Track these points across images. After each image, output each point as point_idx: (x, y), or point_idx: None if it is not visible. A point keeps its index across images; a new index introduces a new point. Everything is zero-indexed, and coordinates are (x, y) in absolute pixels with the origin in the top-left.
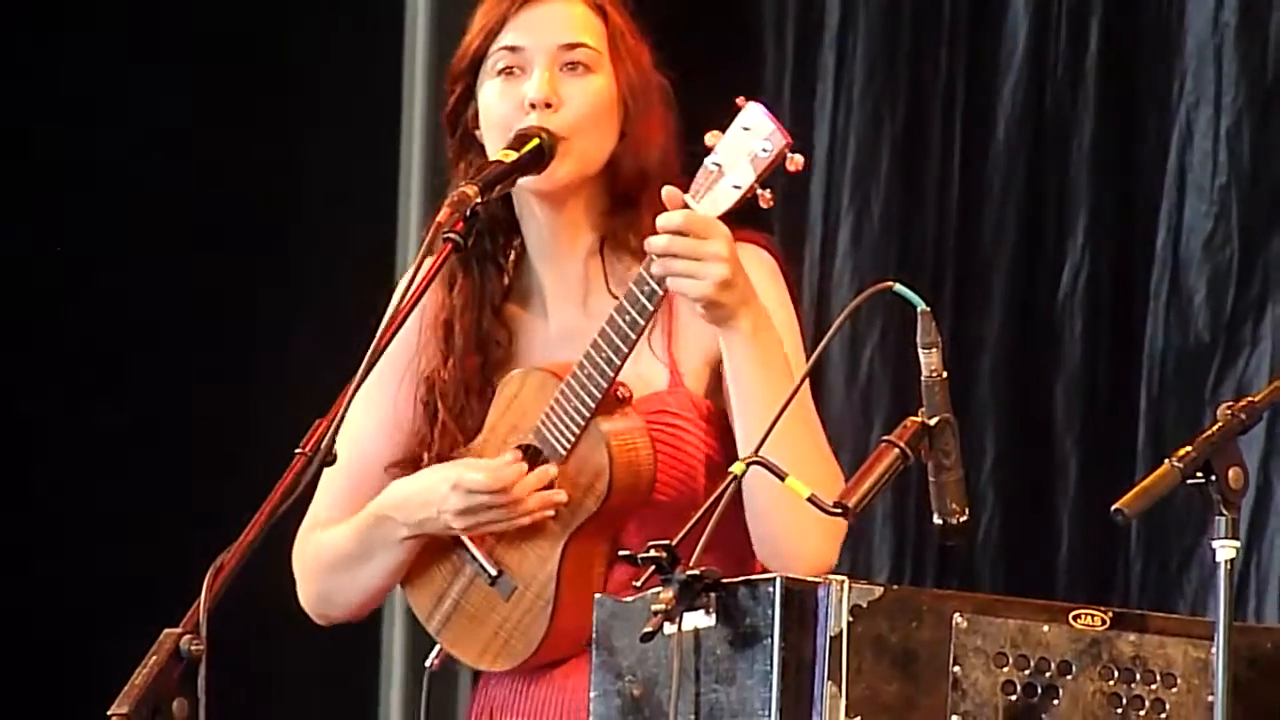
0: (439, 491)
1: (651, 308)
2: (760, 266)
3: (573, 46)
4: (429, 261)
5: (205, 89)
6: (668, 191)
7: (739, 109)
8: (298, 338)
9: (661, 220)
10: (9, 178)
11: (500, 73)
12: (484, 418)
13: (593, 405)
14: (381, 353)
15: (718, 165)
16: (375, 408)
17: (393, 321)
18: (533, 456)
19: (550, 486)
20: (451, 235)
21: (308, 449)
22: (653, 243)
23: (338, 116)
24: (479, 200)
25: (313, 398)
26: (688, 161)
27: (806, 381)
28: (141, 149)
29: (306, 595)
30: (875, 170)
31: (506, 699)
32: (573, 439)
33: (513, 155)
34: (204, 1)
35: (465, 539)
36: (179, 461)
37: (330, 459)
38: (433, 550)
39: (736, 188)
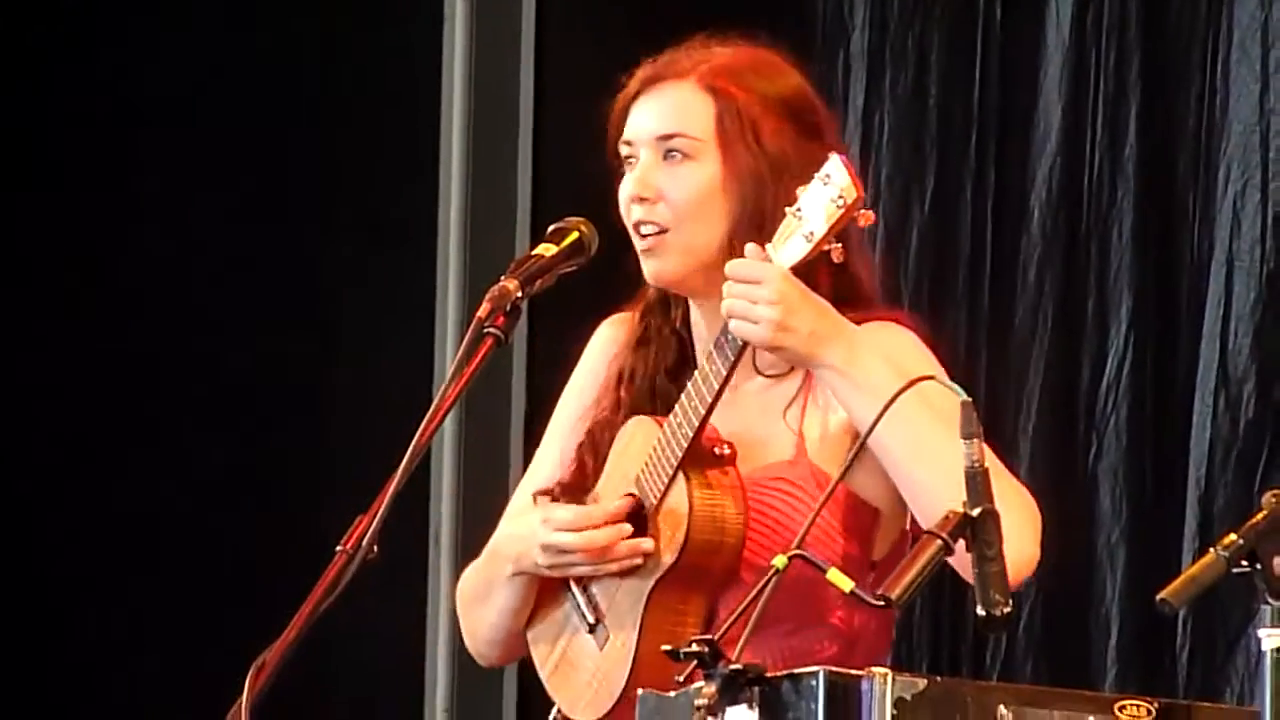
0: (531, 526)
1: (732, 356)
2: (897, 337)
3: (669, 137)
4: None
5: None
6: (749, 248)
7: (825, 160)
8: (334, 434)
9: (726, 269)
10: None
11: (625, 163)
12: None
13: (680, 454)
14: (423, 448)
15: (798, 215)
16: (550, 454)
17: (434, 416)
18: (636, 505)
19: (644, 534)
20: (492, 330)
21: (349, 545)
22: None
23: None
24: (519, 295)
25: (351, 495)
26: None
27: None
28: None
29: (463, 632)
30: (904, 256)
31: None
32: (662, 488)
33: (552, 249)
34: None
35: (572, 585)
36: (218, 558)
37: (371, 556)
38: (551, 600)
39: (808, 239)
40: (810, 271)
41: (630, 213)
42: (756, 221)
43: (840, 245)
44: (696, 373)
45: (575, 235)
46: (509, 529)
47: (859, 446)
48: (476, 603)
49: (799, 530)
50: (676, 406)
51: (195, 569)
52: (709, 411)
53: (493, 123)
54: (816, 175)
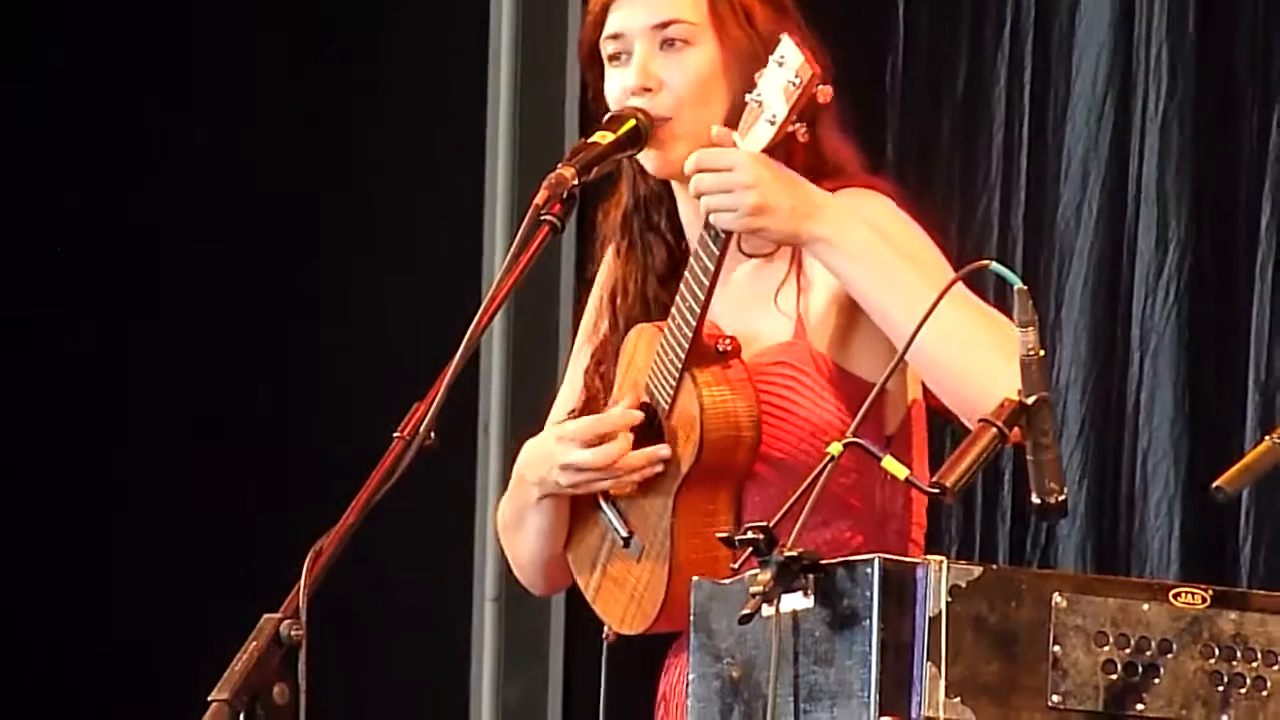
0: (547, 447)
1: (716, 249)
2: (873, 203)
3: (665, 25)
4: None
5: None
6: (715, 131)
7: (777, 44)
8: (390, 322)
9: (688, 162)
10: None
11: (610, 60)
12: None
13: (683, 356)
14: (479, 336)
15: (759, 101)
16: (568, 384)
17: (490, 305)
18: (648, 412)
19: (660, 441)
20: (549, 218)
21: (405, 433)
22: (691, 184)
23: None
24: (575, 182)
25: (408, 381)
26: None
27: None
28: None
29: (510, 561)
30: (939, 141)
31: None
32: (672, 391)
33: (609, 136)
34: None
35: (602, 502)
36: (276, 447)
37: (428, 443)
38: (585, 521)
39: (771, 122)
40: (781, 153)
41: (629, 105)
42: (743, 102)
43: (803, 125)
44: (687, 271)
45: (632, 123)
46: (528, 453)
47: (900, 357)
48: (512, 531)
49: (805, 414)
50: (673, 308)
51: (259, 458)
52: (704, 309)
53: (541, 2)
54: (771, 58)
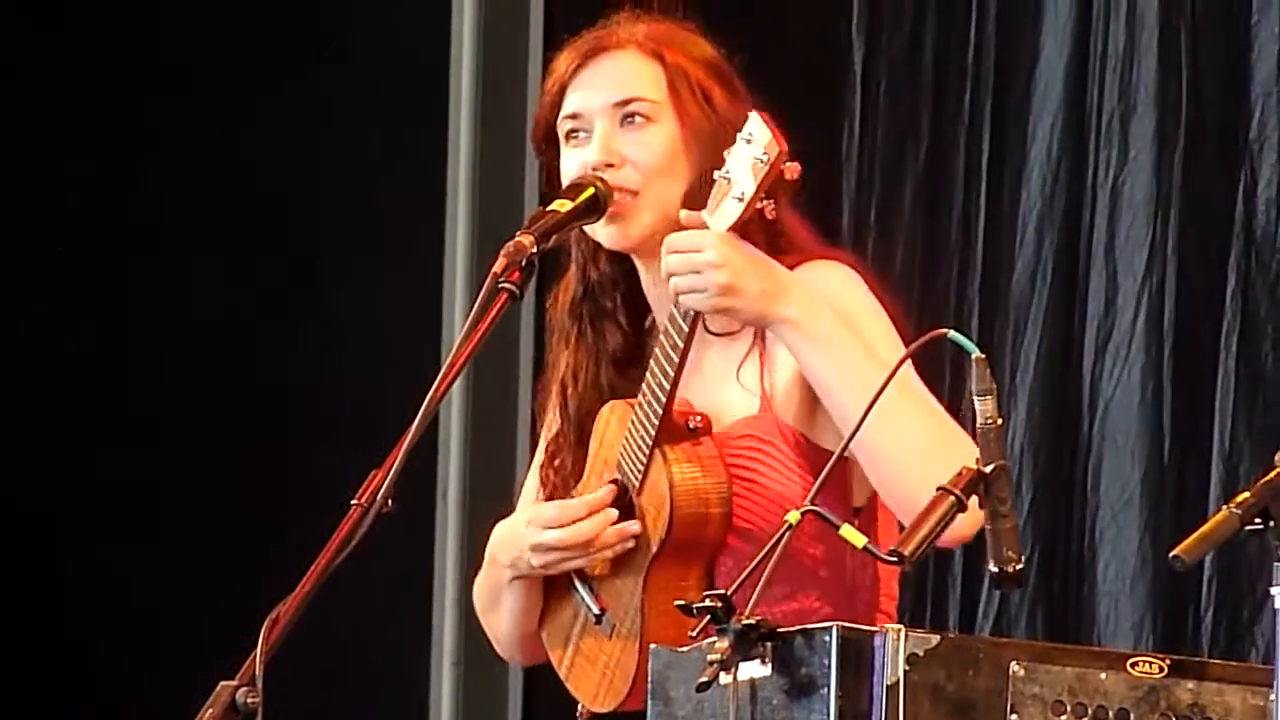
0: (518, 529)
1: (687, 328)
2: (836, 276)
3: (626, 102)
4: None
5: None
6: (684, 215)
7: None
8: (345, 390)
9: (663, 244)
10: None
11: (568, 139)
12: None
13: (654, 433)
14: (438, 403)
15: (727, 178)
16: (529, 483)
17: (449, 372)
18: (620, 488)
19: (631, 518)
20: (507, 285)
21: (363, 499)
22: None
23: (383, 169)
24: (534, 250)
25: (367, 448)
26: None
27: (909, 365)
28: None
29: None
30: (899, 210)
31: None
32: (643, 468)
33: (568, 204)
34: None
35: (575, 580)
36: (228, 516)
37: (385, 509)
38: (558, 598)
39: (739, 200)
40: (745, 231)
41: (589, 174)
42: (711, 180)
43: (771, 201)
44: (656, 347)
45: (591, 191)
46: (499, 535)
47: (848, 443)
48: (489, 611)
49: (770, 483)
50: (643, 385)
51: (206, 527)
52: (674, 386)
53: (502, 72)
54: (739, 135)
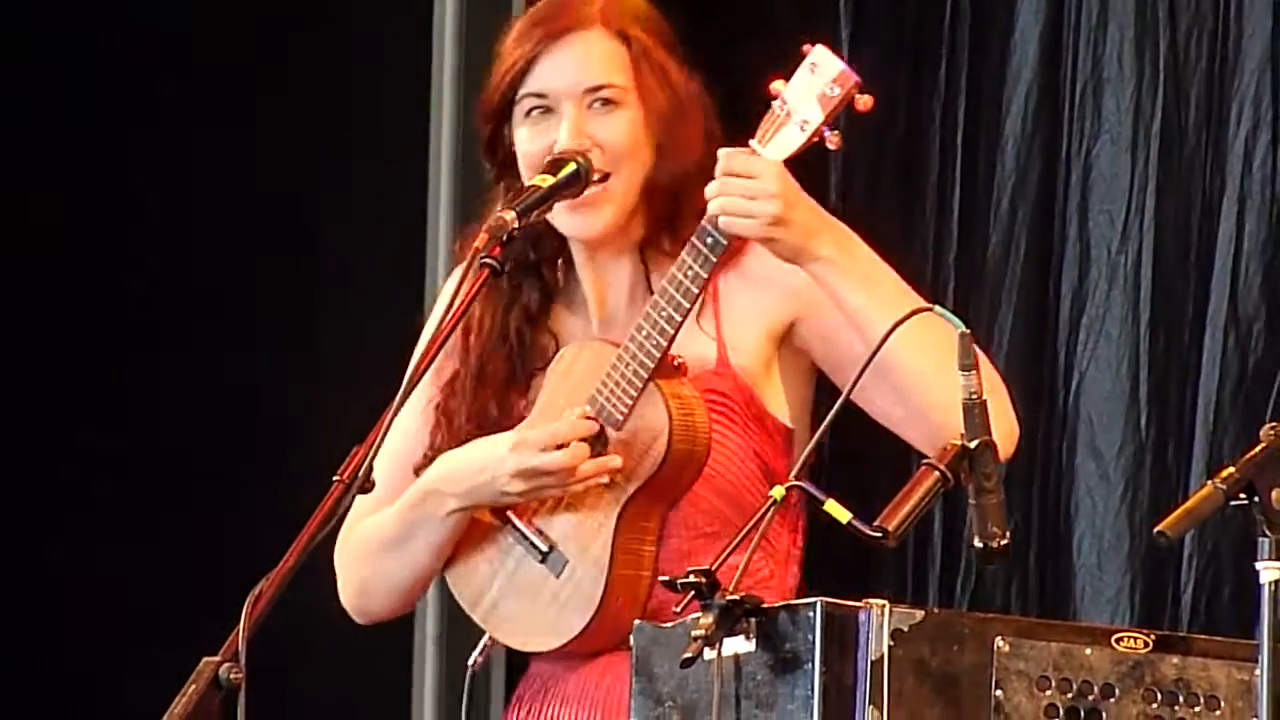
0: (496, 454)
1: (714, 258)
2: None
3: (598, 88)
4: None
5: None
6: (725, 152)
7: (805, 54)
8: (328, 365)
9: (719, 166)
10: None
11: (529, 116)
12: (514, 410)
13: (652, 366)
14: (419, 379)
15: (785, 108)
16: (416, 409)
17: (431, 346)
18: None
19: (603, 454)
20: (489, 260)
21: (345, 476)
22: (709, 188)
23: (367, 145)
24: (516, 226)
25: (347, 425)
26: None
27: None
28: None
29: (347, 589)
30: (877, 182)
31: (549, 680)
32: (630, 402)
33: (549, 180)
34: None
35: (513, 517)
36: (213, 491)
37: (368, 486)
38: (475, 536)
39: (804, 129)
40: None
41: (570, 149)
42: (672, 160)
43: (837, 132)
44: (665, 280)
45: (573, 166)
46: (448, 465)
47: (871, 359)
48: (386, 551)
49: (733, 442)
50: (640, 322)
51: (191, 501)
52: (685, 317)
53: (486, 44)
54: (801, 66)
